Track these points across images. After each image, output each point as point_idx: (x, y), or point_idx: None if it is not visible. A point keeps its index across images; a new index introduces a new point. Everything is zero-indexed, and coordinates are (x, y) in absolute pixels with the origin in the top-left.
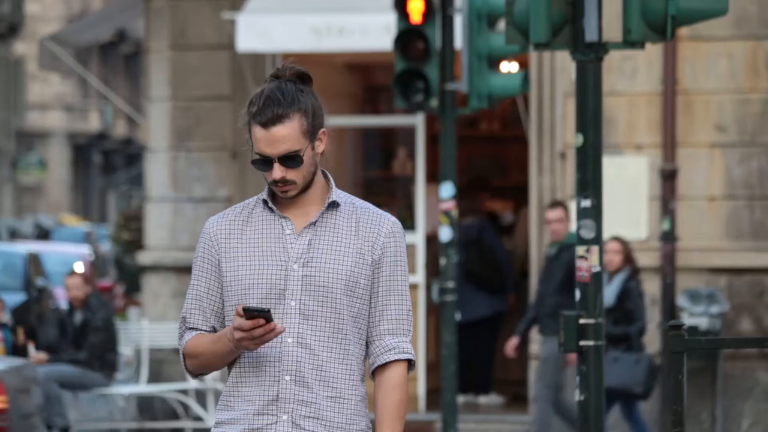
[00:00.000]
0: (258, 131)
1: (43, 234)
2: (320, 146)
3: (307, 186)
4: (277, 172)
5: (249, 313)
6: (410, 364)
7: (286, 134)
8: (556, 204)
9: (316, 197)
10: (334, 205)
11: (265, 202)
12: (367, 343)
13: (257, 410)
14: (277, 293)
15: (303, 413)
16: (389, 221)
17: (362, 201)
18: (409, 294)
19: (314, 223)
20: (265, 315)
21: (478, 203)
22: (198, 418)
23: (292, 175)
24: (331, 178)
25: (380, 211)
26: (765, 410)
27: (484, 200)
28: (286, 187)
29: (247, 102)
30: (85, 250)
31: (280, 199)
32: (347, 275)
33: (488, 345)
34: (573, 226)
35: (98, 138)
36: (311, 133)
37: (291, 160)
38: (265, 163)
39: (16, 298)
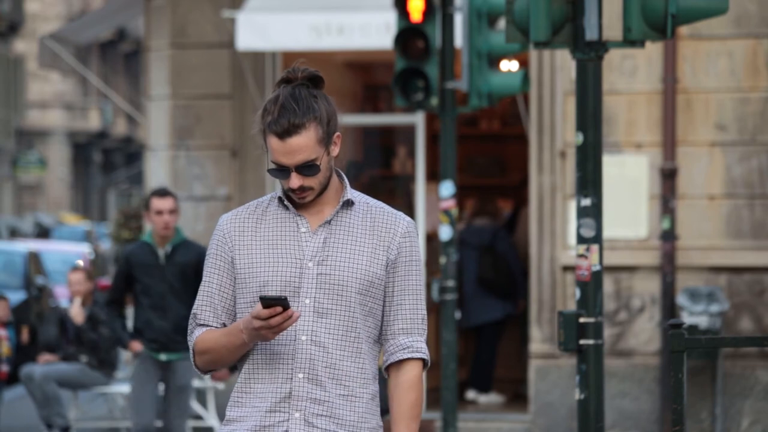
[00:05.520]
0: (274, 141)
1: (43, 232)
2: (335, 150)
3: (323, 188)
4: (295, 181)
5: (266, 301)
6: (424, 363)
7: (302, 144)
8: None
9: (331, 196)
10: (348, 204)
11: (280, 199)
12: (381, 341)
13: (269, 407)
14: (291, 291)
15: (315, 411)
16: (404, 221)
17: (376, 200)
18: (424, 294)
19: (329, 222)
20: (282, 303)
21: (490, 204)
22: (198, 417)
23: (309, 182)
24: (345, 178)
25: (395, 211)
26: (765, 409)
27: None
28: (303, 193)
29: (261, 109)
30: (85, 248)
31: None
32: (362, 274)
33: (493, 346)
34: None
35: (98, 136)
36: (326, 140)
37: (308, 168)
38: (282, 172)
39: (16, 296)
